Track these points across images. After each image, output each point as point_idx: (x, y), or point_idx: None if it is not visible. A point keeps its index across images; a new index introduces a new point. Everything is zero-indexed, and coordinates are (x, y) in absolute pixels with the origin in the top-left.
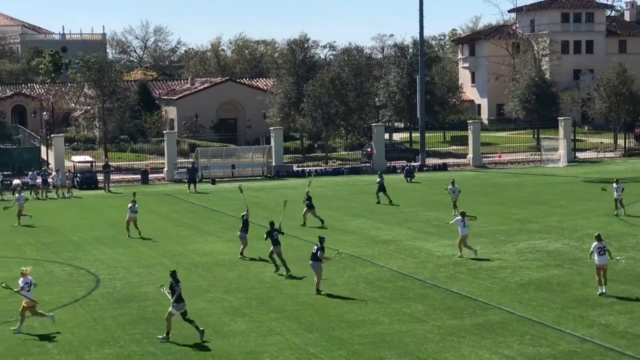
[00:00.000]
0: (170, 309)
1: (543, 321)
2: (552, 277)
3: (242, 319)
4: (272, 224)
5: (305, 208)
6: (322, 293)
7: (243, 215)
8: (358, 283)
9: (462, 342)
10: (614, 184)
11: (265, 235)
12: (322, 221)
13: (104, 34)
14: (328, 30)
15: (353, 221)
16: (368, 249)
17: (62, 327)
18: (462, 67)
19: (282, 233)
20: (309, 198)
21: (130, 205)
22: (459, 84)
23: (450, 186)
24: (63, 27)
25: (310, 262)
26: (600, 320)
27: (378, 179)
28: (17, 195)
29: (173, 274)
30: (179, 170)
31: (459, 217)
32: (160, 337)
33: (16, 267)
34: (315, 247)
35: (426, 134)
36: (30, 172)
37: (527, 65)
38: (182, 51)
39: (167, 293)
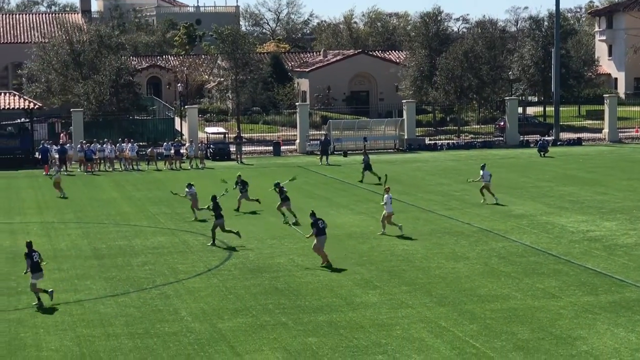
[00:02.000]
0: (30, 281)
1: None
2: None
3: (374, 291)
4: (214, 197)
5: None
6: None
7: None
8: (490, 257)
9: (597, 320)
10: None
11: (209, 207)
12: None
13: (237, 7)
14: (461, 3)
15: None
16: (501, 223)
17: (196, 295)
18: (599, 40)
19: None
20: (281, 191)
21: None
22: (595, 57)
23: (481, 172)
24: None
25: (321, 237)
26: None
27: (364, 157)
28: (54, 167)
29: (28, 244)
30: (311, 142)
31: (388, 195)
32: (34, 303)
33: (152, 236)
34: (319, 222)
35: (561, 108)
36: (165, 143)
37: None
38: (315, 23)
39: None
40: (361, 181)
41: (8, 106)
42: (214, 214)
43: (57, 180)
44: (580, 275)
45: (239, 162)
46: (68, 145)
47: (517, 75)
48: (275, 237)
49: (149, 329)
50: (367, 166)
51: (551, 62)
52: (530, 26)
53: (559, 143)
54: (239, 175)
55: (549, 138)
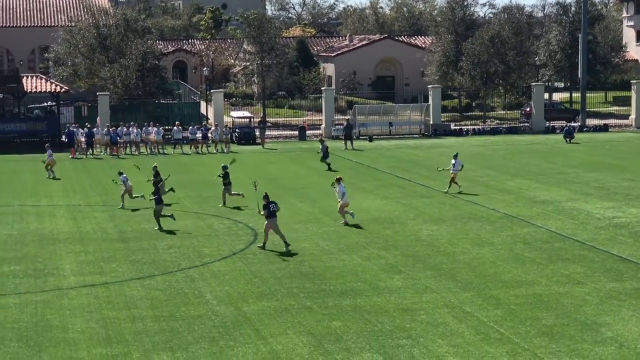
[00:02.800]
0: None
1: None
2: None
3: (398, 276)
4: (156, 182)
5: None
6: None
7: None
8: (515, 243)
9: (622, 306)
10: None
11: (151, 195)
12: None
13: None
14: None
15: (511, 181)
16: (526, 209)
17: (221, 279)
18: (627, 26)
19: (170, 190)
20: (225, 175)
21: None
22: (623, 43)
23: (453, 161)
24: None
25: (271, 219)
26: None
27: (321, 146)
28: (48, 151)
29: None
30: (336, 127)
31: (342, 185)
32: None
33: (177, 220)
34: (271, 205)
35: (587, 94)
36: (190, 127)
37: None
38: (341, 8)
39: None
40: (329, 169)
41: (35, 89)
42: (153, 198)
43: (50, 163)
44: (606, 261)
45: (263, 146)
46: (96, 129)
47: (543, 61)
48: (300, 222)
49: (174, 311)
50: (325, 155)
51: (578, 47)
52: (557, 11)
53: (585, 129)
54: (155, 166)
55: (575, 124)
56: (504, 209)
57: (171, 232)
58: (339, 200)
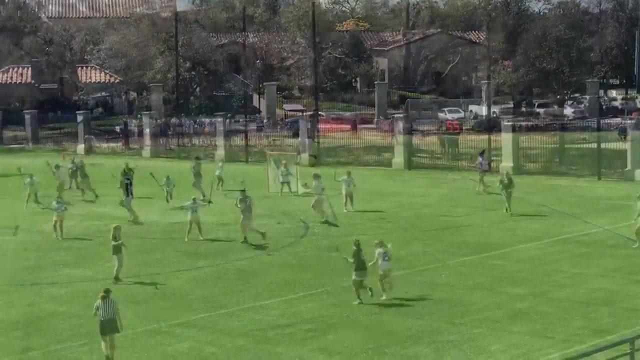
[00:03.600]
0: None
1: None
2: None
3: (447, 272)
4: (127, 174)
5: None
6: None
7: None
8: (569, 242)
9: None
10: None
11: (120, 186)
12: (204, 195)
13: None
14: None
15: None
16: (580, 207)
17: (270, 270)
18: None
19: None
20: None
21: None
22: None
23: (479, 158)
24: None
25: (247, 214)
26: None
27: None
28: (87, 136)
29: None
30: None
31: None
32: None
33: (224, 213)
34: (247, 200)
35: None
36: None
37: None
38: (395, 2)
39: None
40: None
41: (89, 80)
42: (125, 191)
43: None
44: None
45: (314, 139)
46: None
47: (598, 57)
48: (346, 216)
49: (225, 304)
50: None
51: (634, 44)
52: (613, 7)
53: None
54: (81, 161)
55: (630, 121)
56: (555, 205)
57: (218, 225)
58: (316, 195)
